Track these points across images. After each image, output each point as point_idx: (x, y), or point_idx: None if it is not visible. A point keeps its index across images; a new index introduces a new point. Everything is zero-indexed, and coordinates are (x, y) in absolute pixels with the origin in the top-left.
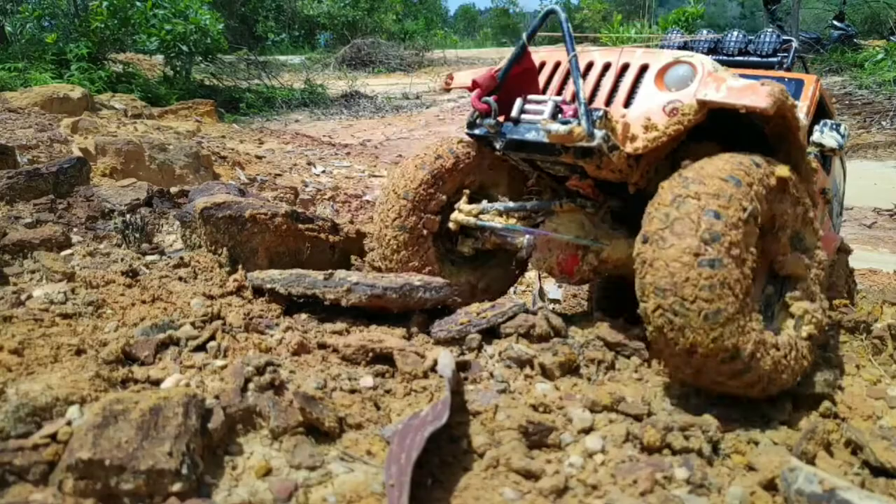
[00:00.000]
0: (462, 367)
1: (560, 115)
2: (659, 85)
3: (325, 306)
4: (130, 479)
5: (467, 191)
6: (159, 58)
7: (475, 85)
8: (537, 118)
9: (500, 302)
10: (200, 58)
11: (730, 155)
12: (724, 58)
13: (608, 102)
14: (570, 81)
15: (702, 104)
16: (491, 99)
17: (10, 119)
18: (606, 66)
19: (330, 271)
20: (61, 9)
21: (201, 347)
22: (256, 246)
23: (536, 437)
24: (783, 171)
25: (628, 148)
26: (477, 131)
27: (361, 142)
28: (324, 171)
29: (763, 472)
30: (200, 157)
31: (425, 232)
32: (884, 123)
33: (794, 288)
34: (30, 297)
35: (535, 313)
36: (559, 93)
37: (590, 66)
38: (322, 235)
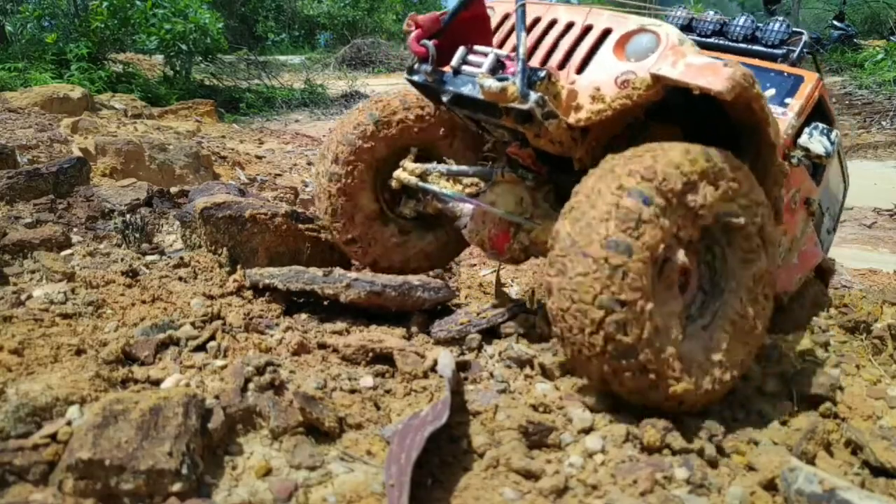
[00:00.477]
0: (462, 367)
1: (501, 72)
2: (618, 53)
3: (325, 306)
4: (130, 479)
5: (414, 149)
6: (159, 58)
7: (416, 25)
8: (476, 71)
9: (499, 302)
10: (200, 58)
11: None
12: (728, 43)
13: (562, 66)
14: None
15: (655, 79)
16: (430, 42)
17: (10, 119)
18: (570, 26)
19: (329, 268)
20: (61, 9)
21: (201, 347)
22: (256, 246)
23: (536, 437)
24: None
25: (571, 118)
26: (415, 77)
27: None
28: None
29: (763, 472)
30: (200, 157)
31: (365, 206)
32: (884, 123)
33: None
34: (30, 297)
35: (535, 313)
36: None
37: (552, 23)
38: (322, 235)
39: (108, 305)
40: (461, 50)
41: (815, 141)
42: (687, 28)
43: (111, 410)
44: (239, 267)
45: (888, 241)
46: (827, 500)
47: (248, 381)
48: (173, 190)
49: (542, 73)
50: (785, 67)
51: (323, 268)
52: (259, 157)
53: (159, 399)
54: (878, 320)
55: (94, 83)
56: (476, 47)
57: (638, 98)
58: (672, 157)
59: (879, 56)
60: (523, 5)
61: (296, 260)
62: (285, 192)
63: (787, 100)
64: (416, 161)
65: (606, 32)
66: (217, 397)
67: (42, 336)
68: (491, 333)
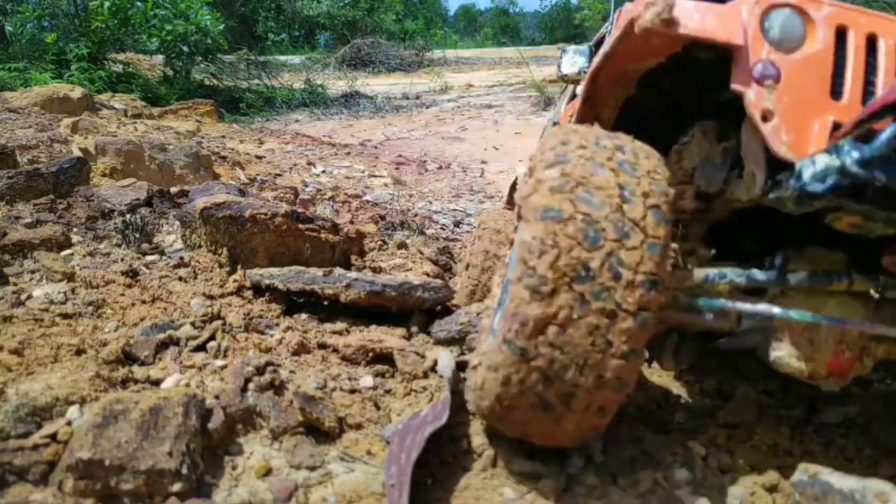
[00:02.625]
0: (462, 367)
1: None
2: None
3: (325, 306)
4: (130, 479)
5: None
6: (159, 58)
7: None
8: None
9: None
10: (200, 58)
11: None
12: None
13: None
14: None
15: None
16: None
17: (10, 119)
18: None
19: (329, 268)
20: (61, 9)
21: (201, 347)
22: (256, 246)
23: None
24: None
25: None
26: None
27: (361, 142)
28: (324, 171)
29: (764, 473)
30: (200, 157)
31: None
32: None
33: None
34: (30, 297)
35: None
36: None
37: None
38: (322, 235)
39: (108, 305)
40: None
41: None
42: None
43: (111, 410)
44: (239, 267)
45: None
46: (811, 486)
47: (248, 381)
48: (173, 190)
49: None
50: None
51: (323, 268)
52: (259, 157)
53: (159, 399)
54: None
55: (94, 83)
56: None
57: None
58: None
59: None
60: None
61: (296, 260)
62: (285, 192)
63: None
64: None
65: None
66: (217, 397)
67: (42, 336)
68: None
